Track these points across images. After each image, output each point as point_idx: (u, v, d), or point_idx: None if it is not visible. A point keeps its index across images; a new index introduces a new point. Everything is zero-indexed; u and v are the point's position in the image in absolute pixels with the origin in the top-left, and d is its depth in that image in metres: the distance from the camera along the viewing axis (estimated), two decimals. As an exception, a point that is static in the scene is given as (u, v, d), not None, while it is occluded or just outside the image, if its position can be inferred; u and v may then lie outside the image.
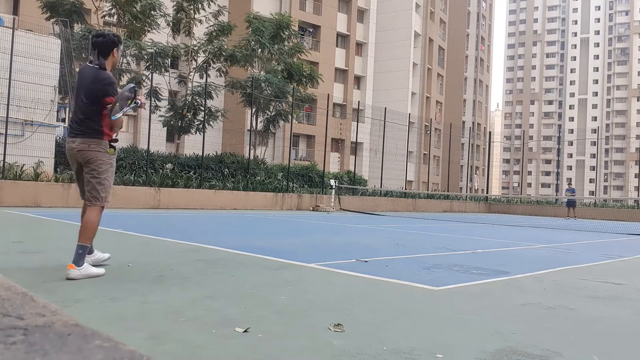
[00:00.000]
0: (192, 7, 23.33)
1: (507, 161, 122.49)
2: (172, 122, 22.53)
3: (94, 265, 4.27)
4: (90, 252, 4.37)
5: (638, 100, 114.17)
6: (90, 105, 4.12)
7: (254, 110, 23.14)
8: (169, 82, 22.98)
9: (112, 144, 4.24)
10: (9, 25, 15.85)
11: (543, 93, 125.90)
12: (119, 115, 4.08)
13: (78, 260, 3.97)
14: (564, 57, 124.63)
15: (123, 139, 28.91)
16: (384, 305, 3.59)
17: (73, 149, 4.18)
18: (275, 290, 3.95)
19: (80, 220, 4.35)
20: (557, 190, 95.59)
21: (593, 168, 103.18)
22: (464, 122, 68.28)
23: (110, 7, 21.83)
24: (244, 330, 2.73)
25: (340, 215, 17.31)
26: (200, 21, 23.74)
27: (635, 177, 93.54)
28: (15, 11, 29.34)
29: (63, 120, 21.02)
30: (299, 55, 26.51)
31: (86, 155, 4.16)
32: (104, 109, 4.09)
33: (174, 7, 23.43)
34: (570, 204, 25.97)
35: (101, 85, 4.10)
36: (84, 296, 3.39)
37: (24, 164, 14.40)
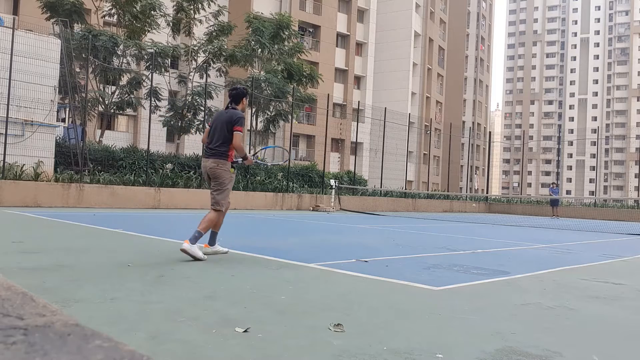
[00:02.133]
0: (192, 7, 23.33)
1: (507, 161, 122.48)
2: (172, 122, 22.54)
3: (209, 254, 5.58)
4: (212, 244, 5.71)
5: (638, 100, 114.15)
6: (224, 134, 5.53)
7: (254, 110, 23.14)
8: (169, 82, 22.98)
9: (233, 165, 5.70)
10: (9, 25, 15.84)
11: (543, 93, 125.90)
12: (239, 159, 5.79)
13: (193, 239, 5.26)
14: (564, 57, 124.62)
15: (123, 139, 28.95)
16: (384, 305, 3.59)
17: (206, 166, 5.64)
18: (275, 290, 3.95)
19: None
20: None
21: (593, 168, 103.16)
22: (464, 122, 68.28)
23: (110, 7, 21.83)
24: (244, 330, 2.73)
25: (340, 215, 17.30)
26: (200, 21, 23.75)
27: (635, 177, 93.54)
28: (15, 11, 29.34)
29: (63, 120, 21.03)
30: (299, 55, 26.52)
31: (214, 172, 5.58)
32: (232, 139, 5.54)
33: (174, 7, 23.43)
34: (554, 203, 26.07)
35: (234, 118, 5.52)
36: (84, 296, 3.39)
37: (24, 164, 14.40)
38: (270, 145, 7.67)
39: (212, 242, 5.69)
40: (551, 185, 27.58)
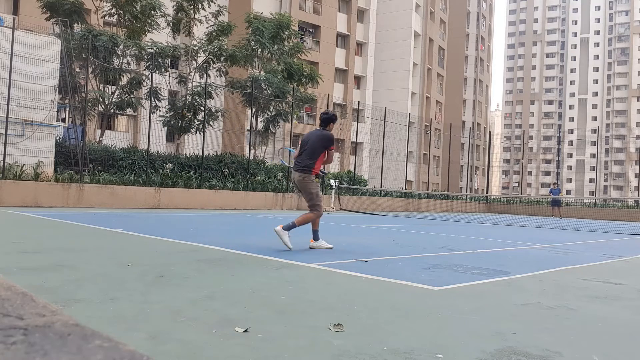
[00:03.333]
0: (192, 7, 23.33)
1: (507, 161, 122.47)
2: (172, 122, 22.53)
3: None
4: (316, 239, 6.81)
5: (638, 100, 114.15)
6: (314, 153, 6.66)
7: (254, 110, 23.14)
8: (169, 82, 22.98)
9: (317, 176, 6.75)
10: (9, 25, 15.84)
11: (543, 93, 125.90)
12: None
13: (287, 227, 6.42)
14: (564, 57, 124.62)
15: (123, 139, 28.96)
16: (384, 305, 3.59)
17: (295, 178, 6.82)
18: (275, 290, 3.95)
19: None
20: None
21: (593, 168, 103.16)
22: (464, 122, 68.28)
23: (110, 7, 21.82)
24: (244, 330, 2.73)
25: (340, 215, 17.30)
26: (200, 21, 23.74)
27: (635, 177, 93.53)
28: (15, 11, 29.34)
29: (63, 120, 21.04)
30: (299, 55, 26.51)
31: (302, 184, 6.73)
32: (321, 156, 6.71)
33: (174, 7, 23.42)
34: (555, 203, 26.13)
35: (326, 140, 6.72)
36: (84, 296, 3.39)
37: (24, 164, 14.40)
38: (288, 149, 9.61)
39: (315, 237, 6.78)
40: (552, 186, 27.63)
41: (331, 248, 6.71)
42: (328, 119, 6.81)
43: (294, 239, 6.61)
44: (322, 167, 6.88)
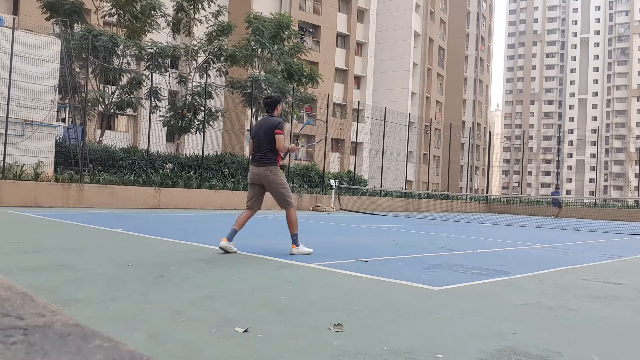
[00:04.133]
0: (192, 7, 23.33)
1: (507, 161, 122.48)
2: (172, 122, 22.53)
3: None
4: (297, 244, 6.06)
5: (638, 100, 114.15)
6: (269, 142, 5.96)
7: (254, 110, 23.13)
8: (169, 82, 22.98)
9: (281, 167, 6.12)
10: (9, 25, 15.84)
11: (543, 93, 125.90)
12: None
13: (295, 242, 6.03)
14: (564, 57, 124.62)
15: (123, 139, 28.95)
16: (384, 305, 3.59)
17: (259, 173, 6.02)
18: (275, 290, 3.95)
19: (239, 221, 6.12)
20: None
21: (593, 168, 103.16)
22: (464, 122, 68.28)
23: (110, 7, 21.82)
24: (244, 330, 2.73)
25: (340, 215, 17.30)
26: (200, 21, 23.74)
27: (635, 177, 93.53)
28: (15, 11, 29.34)
29: (63, 120, 21.04)
30: (299, 55, 26.50)
31: (268, 179, 5.99)
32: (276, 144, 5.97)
33: (174, 7, 23.42)
34: (555, 203, 26.29)
35: (274, 124, 6.00)
36: (84, 296, 3.39)
37: (24, 164, 14.40)
38: (309, 121, 8.46)
39: (296, 242, 6.08)
40: (556, 188, 27.80)
41: (311, 253, 6.10)
42: (273, 102, 6.19)
43: (288, 239, 6.61)
44: (282, 157, 6.17)
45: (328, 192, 21.55)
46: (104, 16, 22.57)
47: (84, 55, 18.77)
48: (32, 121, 15.13)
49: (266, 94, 22.96)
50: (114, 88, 21.70)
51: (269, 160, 5.98)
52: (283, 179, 6.10)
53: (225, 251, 5.80)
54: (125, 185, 15.63)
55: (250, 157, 6.16)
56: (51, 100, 15.61)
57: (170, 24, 23.50)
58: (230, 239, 5.88)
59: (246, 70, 25.35)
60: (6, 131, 14.07)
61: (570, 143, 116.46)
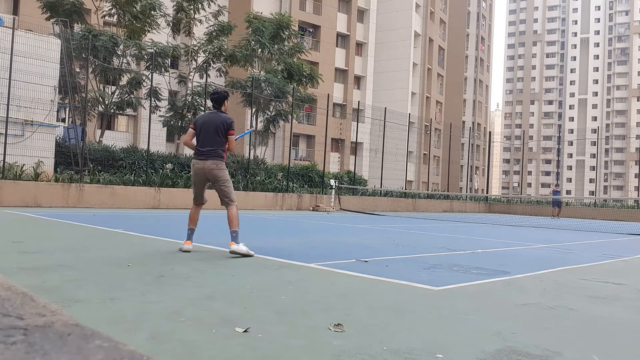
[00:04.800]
0: (192, 7, 23.33)
1: (507, 161, 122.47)
2: (172, 122, 22.54)
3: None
4: (237, 241, 5.78)
5: (638, 100, 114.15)
6: (219, 137, 5.89)
7: (254, 110, 23.14)
8: (169, 82, 22.99)
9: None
10: (9, 25, 15.84)
11: (543, 93, 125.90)
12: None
13: (235, 239, 5.75)
14: (564, 57, 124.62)
15: (123, 139, 28.95)
16: (384, 305, 3.59)
17: (205, 167, 5.90)
18: (275, 290, 3.95)
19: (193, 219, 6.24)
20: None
21: (593, 168, 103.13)
22: (464, 122, 68.27)
23: (110, 7, 21.83)
24: (244, 330, 2.73)
25: (340, 215, 17.30)
26: (200, 21, 23.75)
27: (635, 177, 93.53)
28: (15, 11, 29.34)
29: (63, 120, 21.02)
30: (299, 55, 26.52)
31: (215, 173, 5.91)
32: (225, 142, 5.95)
33: (174, 7, 23.43)
34: (555, 203, 26.35)
35: (227, 122, 5.96)
36: (84, 296, 3.39)
37: (24, 164, 14.40)
38: (249, 131, 7.95)
39: (236, 239, 5.86)
40: (555, 187, 27.82)
41: (252, 255, 5.65)
42: (222, 98, 6.07)
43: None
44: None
45: (328, 192, 21.56)
46: (104, 16, 22.57)
47: (84, 55, 18.77)
48: (32, 121, 15.13)
49: (266, 93, 23.00)
50: (114, 88, 21.70)
51: (218, 155, 5.92)
52: (228, 175, 6.08)
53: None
54: (125, 185, 15.62)
55: (195, 151, 5.97)
56: (51, 100, 15.61)
57: (170, 24, 23.51)
58: (190, 238, 5.98)
59: (246, 70, 25.35)
60: (6, 131, 14.07)
61: (570, 143, 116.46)
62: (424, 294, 4.10)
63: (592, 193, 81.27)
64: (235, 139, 7.09)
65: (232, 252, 5.62)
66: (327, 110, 24.50)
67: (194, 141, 6.00)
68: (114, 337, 0.73)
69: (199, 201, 6.24)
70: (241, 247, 5.65)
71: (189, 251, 5.83)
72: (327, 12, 44.02)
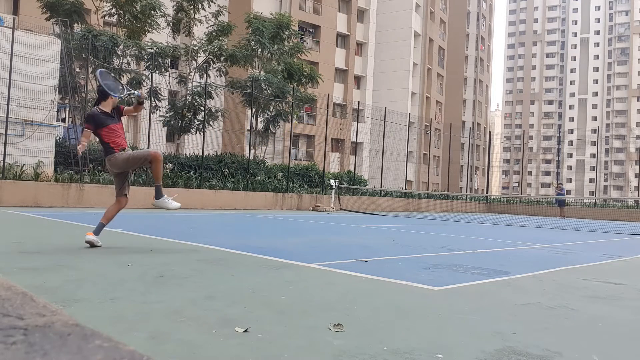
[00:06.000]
0: (192, 7, 23.33)
1: (507, 161, 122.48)
2: (172, 122, 22.53)
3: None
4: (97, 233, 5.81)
5: (638, 100, 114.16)
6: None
7: (254, 110, 23.14)
8: (169, 82, 22.98)
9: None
10: (9, 25, 15.84)
11: (543, 93, 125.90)
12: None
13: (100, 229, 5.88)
14: (564, 57, 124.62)
15: (123, 139, 28.85)
16: (384, 305, 3.59)
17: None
18: (275, 290, 3.95)
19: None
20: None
21: (593, 168, 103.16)
22: (464, 122, 68.29)
23: (110, 7, 21.82)
24: (244, 330, 2.73)
25: (340, 215, 17.30)
26: (200, 21, 23.74)
27: (635, 177, 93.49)
28: (15, 11, 29.34)
29: (63, 120, 21.03)
30: (299, 55, 26.51)
31: None
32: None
33: (174, 7, 23.42)
34: (561, 203, 26.27)
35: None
36: (84, 296, 3.39)
37: (24, 164, 14.40)
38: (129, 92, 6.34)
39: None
40: (559, 186, 27.60)
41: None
42: (99, 94, 6.11)
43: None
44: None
45: (328, 192, 21.56)
46: (104, 16, 22.57)
47: (84, 55, 18.77)
48: (32, 121, 15.13)
49: (266, 93, 23.01)
50: (114, 88, 21.66)
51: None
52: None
53: (93, 245, 5.78)
54: (125, 185, 15.61)
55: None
56: (51, 100, 15.61)
57: (170, 24, 23.50)
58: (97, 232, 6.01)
59: (246, 70, 25.35)
60: (6, 131, 14.07)
61: (570, 143, 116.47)
62: (424, 294, 4.10)
63: (592, 193, 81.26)
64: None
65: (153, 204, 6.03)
66: (327, 110, 24.50)
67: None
68: (114, 337, 0.73)
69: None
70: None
71: (91, 244, 5.77)
72: (327, 12, 44.02)
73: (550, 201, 29.96)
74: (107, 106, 5.97)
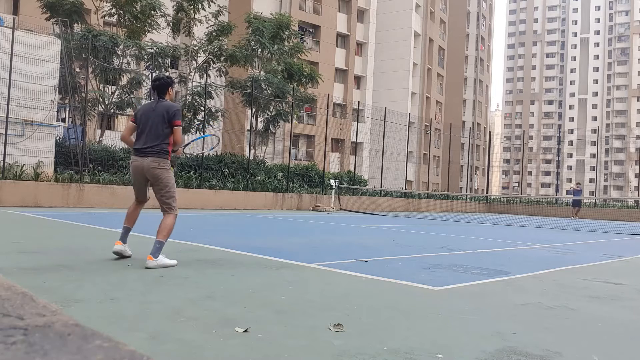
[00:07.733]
0: (192, 7, 23.33)
1: (507, 161, 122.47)
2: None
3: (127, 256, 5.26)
4: (157, 255, 4.90)
5: (638, 100, 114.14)
6: (162, 130, 5.03)
7: (254, 110, 23.13)
8: (169, 82, 22.94)
9: (172, 163, 5.24)
10: (9, 25, 15.83)
11: (543, 93, 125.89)
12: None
13: (156, 253, 4.85)
14: (564, 57, 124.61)
15: (123, 139, 28.86)
16: (384, 305, 3.59)
17: (143, 166, 5.03)
18: (275, 290, 3.95)
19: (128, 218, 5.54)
20: (557, 190, 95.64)
21: (593, 168, 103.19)
22: (464, 122, 68.26)
23: (110, 7, 21.82)
24: (244, 330, 2.73)
25: (340, 215, 17.30)
26: (200, 21, 23.74)
27: (635, 177, 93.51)
28: (15, 11, 29.34)
29: (63, 120, 21.02)
30: (299, 55, 26.50)
31: (155, 173, 5.04)
32: (170, 135, 5.08)
33: (174, 7, 23.42)
34: (576, 203, 26.13)
35: (171, 112, 5.04)
36: (84, 296, 3.39)
37: (24, 164, 14.39)
38: (206, 134, 6.51)
39: (156, 253, 4.91)
40: (577, 186, 27.11)
41: (175, 265, 4.95)
42: (165, 85, 5.17)
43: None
44: (172, 151, 5.23)
45: (328, 192, 21.55)
46: (104, 16, 22.56)
47: (84, 55, 18.77)
48: (32, 121, 15.12)
49: (266, 93, 23.01)
50: (114, 88, 21.70)
51: (160, 151, 5.01)
52: (172, 178, 5.19)
53: (122, 255, 5.19)
54: (125, 185, 15.61)
55: (134, 146, 5.12)
56: (51, 100, 15.60)
57: (170, 24, 23.50)
58: (124, 239, 5.29)
59: (246, 70, 25.35)
60: (6, 131, 14.07)
61: (570, 143, 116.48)
62: (424, 294, 4.10)
63: (592, 193, 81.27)
64: (195, 140, 6.55)
65: (148, 267, 4.72)
66: (327, 110, 24.50)
67: (133, 137, 5.18)
68: (114, 337, 0.73)
69: (140, 198, 5.46)
70: (162, 261, 4.83)
71: (120, 254, 5.17)
72: (327, 12, 44.01)
73: (551, 201, 29.93)
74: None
